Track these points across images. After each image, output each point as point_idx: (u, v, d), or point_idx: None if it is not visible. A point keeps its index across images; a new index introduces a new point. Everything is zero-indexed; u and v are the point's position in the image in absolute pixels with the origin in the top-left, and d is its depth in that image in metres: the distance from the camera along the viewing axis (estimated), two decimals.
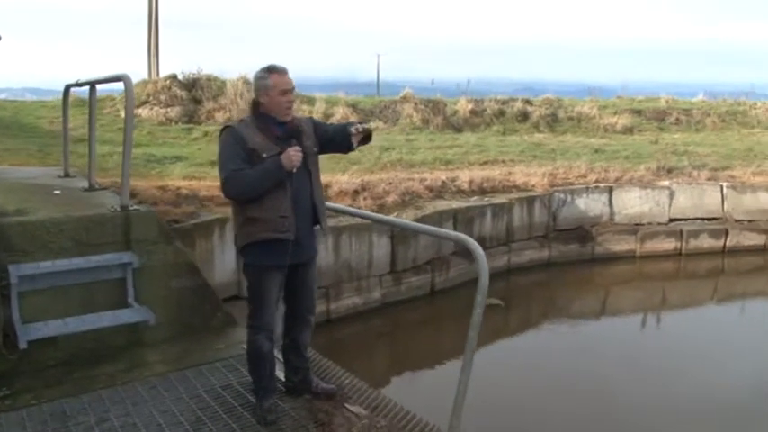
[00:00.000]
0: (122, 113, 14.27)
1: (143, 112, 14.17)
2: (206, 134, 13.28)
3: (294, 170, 3.37)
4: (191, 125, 13.91)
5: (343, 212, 4.85)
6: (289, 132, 3.46)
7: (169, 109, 14.25)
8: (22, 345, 3.74)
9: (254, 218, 3.41)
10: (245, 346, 4.38)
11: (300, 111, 15.11)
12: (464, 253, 9.95)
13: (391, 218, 5.26)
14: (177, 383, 3.91)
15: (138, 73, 16.10)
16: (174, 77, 15.04)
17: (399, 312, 8.84)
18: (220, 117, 14.41)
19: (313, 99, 15.98)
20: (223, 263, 7.16)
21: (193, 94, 14.88)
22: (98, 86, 5.32)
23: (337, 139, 3.59)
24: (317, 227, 3.67)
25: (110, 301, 4.31)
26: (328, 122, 3.67)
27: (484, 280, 3.08)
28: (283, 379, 3.85)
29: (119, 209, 4.39)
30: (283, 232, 3.43)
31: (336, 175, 9.77)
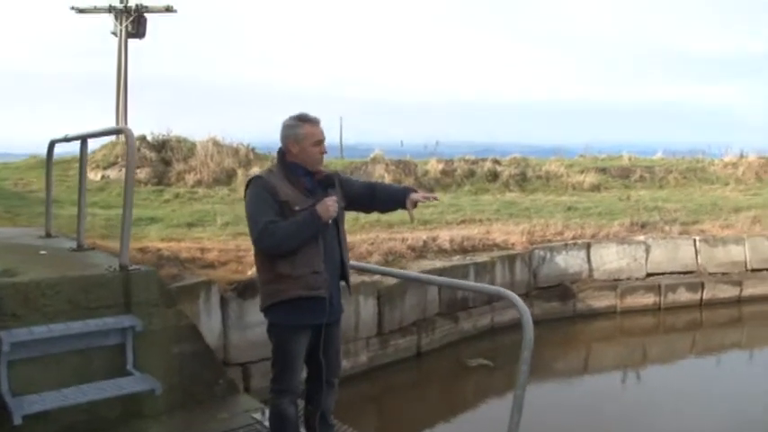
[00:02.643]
0: (90, 175, 13.96)
1: (111, 173, 13.89)
2: (177, 196, 13.04)
3: (330, 221, 3.22)
4: (161, 186, 13.65)
5: (369, 270, 4.66)
6: (322, 183, 3.32)
7: (138, 170, 13.95)
8: (17, 420, 3.40)
9: (285, 275, 3.21)
10: (253, 415, 4.14)
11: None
12: (449, 313, 9.83)
13: (428, 275, 5.10)
14: None
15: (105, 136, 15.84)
16: (143, 138, 14.83)
17: (387, 376, 8.57)
18: (191, 179, 14.21)
19: None
20: (209, 327, 6.85)
21: (163, 155, 14.67)
22: (61, 148, 5.15)
23: (383, 199, 3.52)
24: (343, 284, 3.49)
25: (107, 369, 3.98)
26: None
27: (529, 335, 2.93)
28: None
29: (117, 269, 4.12)
30: (317, 289, 3.25)
31: None
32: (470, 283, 3.49)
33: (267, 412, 4.14)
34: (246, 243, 8.94)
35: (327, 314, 3.30)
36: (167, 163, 14.53)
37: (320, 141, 3.32)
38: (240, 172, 14.67)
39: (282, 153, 3.36)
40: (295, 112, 3.38)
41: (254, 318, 7.29)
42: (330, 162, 17.89)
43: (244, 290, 7.27)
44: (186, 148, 15.08)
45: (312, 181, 3.31)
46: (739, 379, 9.04)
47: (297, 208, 3.20)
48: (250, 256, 8.39)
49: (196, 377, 4.31)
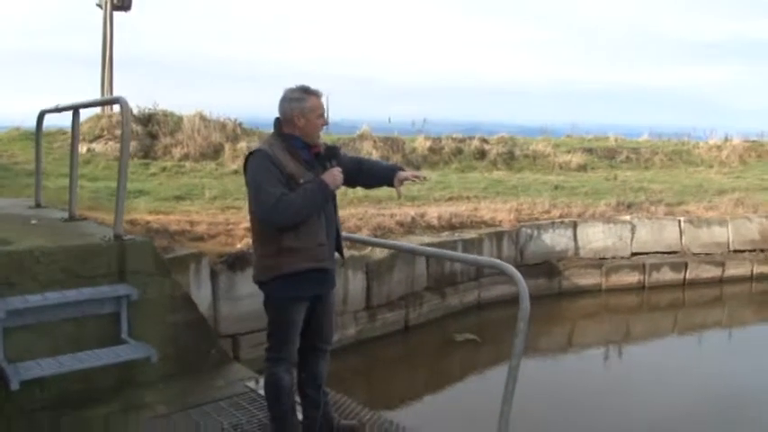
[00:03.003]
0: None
1: (97, 146, 13.75)
2: (164, 169, 12.95)
3: (336, 191, 3.24)
4: (147, 160, 13.54)
5: (367, 243, 4.69)
6: (319, 156, 3.33)
7: None
8: (14, 386, 3.42)
9: (292, 247, 3.20)
10: (246, 384, 4.18)
11: None
12: (436, 288, 9.91)
13: (422, 247, 5.14)
14: (184, 426, 3.64)
15: (90, 108, 15.64)
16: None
17: (375, 349, 8.64)
18: (178, 153, 14.10)
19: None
20: (199, 299, 6.84)
21: (149, 129, 14.52)
22: (46, 120, 5.12)
23: (370, 174, 3.55)
24: (337, 255, 3.52)
25: (101, 337, 4.01)
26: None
27: (525, 305, 2.97)
28: (300, 418, 3.62)
29: (112, 238, 4.12)
30: (322, 261, 3.28)
31: None
32: (467, 255, 3.53)
33: (261, 381, 4.18)
34: (236, 216, 8.96)
35: (324, 285, 3.33)
36: (154, 137, 14.39)
37: (323, 114, 3.32)
38: (227, 146, 14.59)
39: (280, 125, 3.33)
40: (293, 84, 3.35)
41: (244, 290, 7.33)
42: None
43: (234, 262, 7.28)
44: (173, 123, 14.93)
45: (309, 154, 3.31)
46: (718, 357, 9.23)
47: (301, 181, 3.20)
48: (239, 229, 8.41)
49: (190, 346, 4.34)
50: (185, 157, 13.99)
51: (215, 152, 14.44)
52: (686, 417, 6.90)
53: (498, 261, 3.28)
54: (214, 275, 7.13)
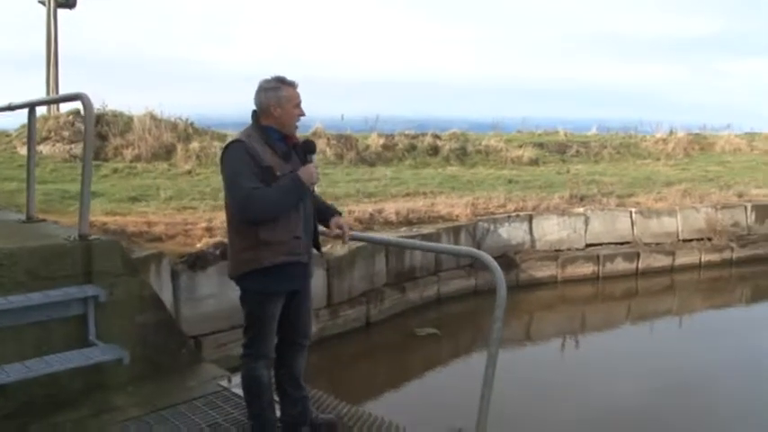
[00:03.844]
0: (19, 150, 13.42)
1: (44, 148, 13.37)
2: (116, 171, 12.68)
3: (312, 187, 3.22)
4: (98, 162, 13.21)
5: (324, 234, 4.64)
6: (296, 148, 3.31)
7: (73, 145, 13.50)
8: None
9: (267, 241, 3.17)
10: (219, 382, 4.13)
11: (212, 147, 14.74)
12: (396, 283, 9.95)
13: (401, 239, 5.13)
14: (159, 427, 3.58)
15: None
16: (77, 112, 14.27)
17: (336, 347, 8.62)
18: (129, 154, 13.82)
19: (224, 135, 15.60)
20: None
21: (99, 130, 14.16)
22: None
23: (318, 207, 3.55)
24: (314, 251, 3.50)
25: (68, 340, 3.90)
26: None
27: (502, 293, 3.02)
28: (278, 414, 3.59)
29: (77, 238, 4.02)
30: (298, 254, 3.25)
31: None
32: (443, 245, 3.54)
33: (234, 379, 4.15)
34: (193, 216, 8.84)
35: (306, 278, 3.31)
36: (103, 138, 14.05)
37: (299, 104, 3.30)
38: (180, 147, 14.36)
39: (257, 116, 3.30)
40: (268, 76, 3.33)
41: (206, 290, 7.25)
42: None
43: (194, 262, 7.18)
44: (123, 123, 14.61)
45: (286, 145, 3.29)
46: (669, 343, 9.47)
47: (278, 173, 3.17)
48: (198, 230, 8.30)
49: (160, 347, 4.26)
50: (137, 158, 13.72)
51: (167, 152, 14.20)
52: (639, 402, 7.07)
53: (475, 250, 3.32)
54: (175, 276, 7.03)
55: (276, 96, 3.25)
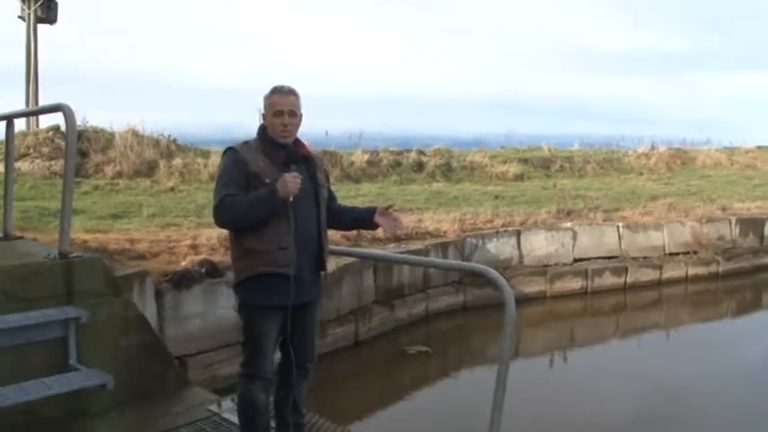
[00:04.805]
0: None
1: (23, 165, 13.10)
2: (97, 188, 12.44)
3: (291, 198, 3.05)
4: (78, 179, 12.95)
5: (349, 254, 4.51)
6: (295, 158, 3.18)
7: (53, 162, 13.25)
8: None
9: (252, 249, 3.07)
10: (208, 408, 3.95)
11: (196, 164, 14.55)
12: (385, 301, 9.79)
13: (404, 255, 4.99)
14: None
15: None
16: (56, 129, 14.05)
17: (324, 366, 8.36)
18: (110, 171, 13.61)
19: (208, 152, 15.42)
20: None
21: (79, 146, 13.93)
22: None
23: (353, 212, 3.50)
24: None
25: (48, 365, 3.68)
26: None
27: (511, 311, 2.88)
28: None
29: (57, 257, 3.83)
30: (282, 266, 3.07)
31: None
32: (450, 261, 3.42)
33: (224, 404, 3.97)
34: (177, 234, 8.65)
35: (293, 295, 3.13)
36: (84, 154, 13.81)
37: (281, 112, 3.15)
38: (162, 163, 14.16)
39: (263, 125, 3.26)
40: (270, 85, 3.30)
41: (191, 309, 7.06)
42: None
43: (179, 281, 6.99)
44: (104, 139, 14.38)
45: (285, 155, 3.17)
46: (657, 358, 9.42)
47: (267, 180, 3.06)
48: (182, 247, 8.11)
49: (146, 370, 4.07)
50: (118, 174, 13.50)
51: (149, 169, 13.99)
52: (626, 416, 7.05)
53: (483, 267, 3.18)
54: (159, 295, 6.83)
55: (265, 104, 3.23)
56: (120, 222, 9.29)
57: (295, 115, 3.21)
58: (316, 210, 3.23)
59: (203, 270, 7.18)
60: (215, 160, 14.87)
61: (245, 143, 3.22)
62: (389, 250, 9.97)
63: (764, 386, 7.99)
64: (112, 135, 14.55)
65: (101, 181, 12.96)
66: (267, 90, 3.24)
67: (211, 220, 9.78)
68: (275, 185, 3.01)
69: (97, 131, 14.58)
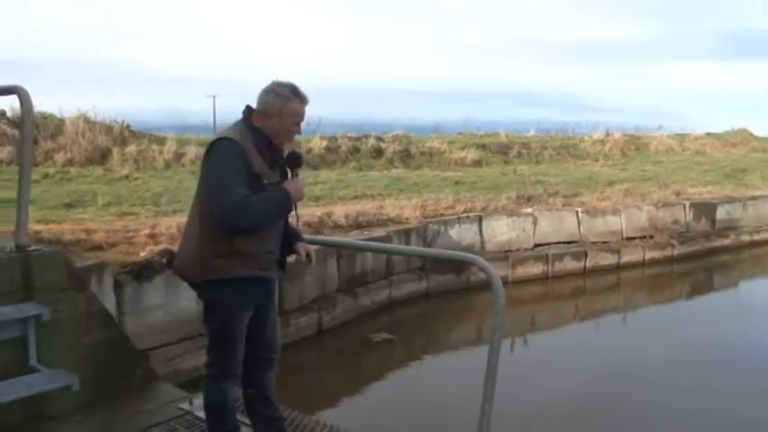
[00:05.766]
0: None
1: None
2: (47, 176, 12.02)
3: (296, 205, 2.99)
4: None
5: (325, 243, 4.38)
6: (282, 160, 3.03)
7: None
8: None
9: (239, 251, 2.89)
10: (180, 406, 3.80)
11: (150, 151, 14.19)
12: (348, 289, 9.69)
13: (389, 245, 4.88)
14: None
15: None
16: (2, 114, 13.53)
17: (289, 356, 8.25)
18: (61, 158, 13.16)
19: (163, 139, 15.05)
20: None
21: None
22: None
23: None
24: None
25: (5, 366, 3.44)
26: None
27: (500, 300, 2.84)
28: None
29: (14, 249, 3.60)
30: (267, 270, 3.00)
31: None
32: (436, 250, 3.32)
33: (195, 401, 3.82)
34: (135, 223, 8.39)
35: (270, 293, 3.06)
36: (33, 141, 13.34)
37: (299, 122, 3.02)
38: (115, 150, 13.76)
39: (251, 115, 2.98)
40: (283, 81, 3.02)
41: (153, 301, 6.85)
42: (204, 141, 17.21)
43: (140, 272, 6.76)
44: (53, 126, 13.93)
45: (271, 154, 3.00)
46: (614, 339, 9.60)
47: (266, 182, 2.89)
48: (141, 237, 7.86)
49: (111, 368, 3.87)
50: (69, 162, 13.07)
51: (102, 156, 13.59)
52: (583, 398, 7.12)
53: (472, 255, 3.15)
54: (118, 287, 6.59)
55: (282, 105, 2.94)
56: (73, 212, 8.98)
57: None
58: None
59: (164, 260, 6.96)
60: (170, 147, 14.55)
61: (240, 133, 2.92)
62: (353, 237, 9.87)
63: (713, 362, 8.30)
64: (62, 121, 14.09)
65: (50, 169, 12.53)
66: (281, 86, 2.97)
67: (171, 208, 9.46)
68: (286, 190, 2.91)
69: (46, 117, 14.10)
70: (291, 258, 3.25)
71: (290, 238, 3.23)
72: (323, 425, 3.57)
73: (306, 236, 3.58)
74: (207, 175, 2.88)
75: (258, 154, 2.90)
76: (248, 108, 3.00)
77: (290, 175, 3.06)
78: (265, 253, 2.98)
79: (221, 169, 2.82)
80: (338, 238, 5.51)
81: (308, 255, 3.25)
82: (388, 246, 4.60)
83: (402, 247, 4.13)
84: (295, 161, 3.07)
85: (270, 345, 3.27)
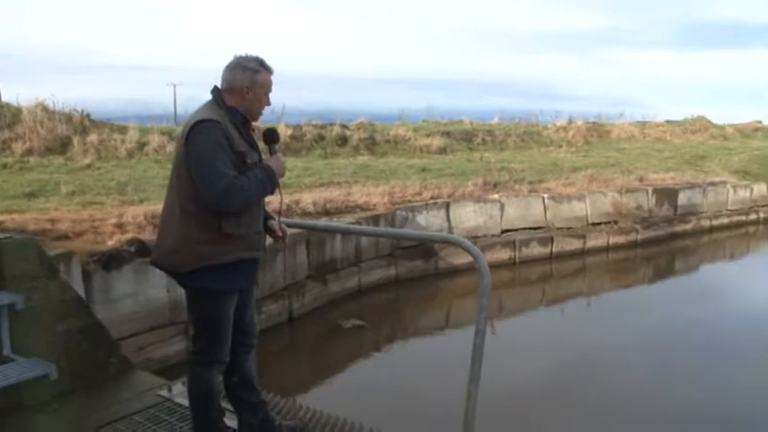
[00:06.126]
0: None
1: None
2: (5, 166, 11.70)
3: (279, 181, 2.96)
4: None
5: (301, 226, 4.32)
6: (268, 137, 3.02)
7: None
8: None
9: (230, 234, 2.83)
10: (159, 393, 3.75)
11: (112, 140, 13.91)
12: (318, 276, 9.66)
13: (372, 227, 4.83)
14: None
15: None
16: None
17: (260, 343, 8.17)
18: (18, 148, 12.79)
19: (125, 128, 14.76)
20: None
21: None
22: None
23: None
24: None
25: None
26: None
27: (486, 281, 2.84)
28: (236, 425, 3.25)
29: None
30: (257, 250, 2.98)
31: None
32: (420, 232, 3.29)
33: (174, 388, 3.78)
34: (101, 212, 8.23)
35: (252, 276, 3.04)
36: None
37: (269, 93, 2.97)
38: (76, 140, 13.45)
39: (222, 96, 2.90)
40: (245, 53, 2.97)
41: (122, 290, 6.74)
42: (175, 128, 16.93)
43: (108, 261, 6.63)
44: (10, 115, 13.54)
45: (248, 132, 2.96)
46: (579, 324, 9.78)
47: (248, 161, 2.84)
48: (107, 226, 7.72)
49: (87, 357, 3.81)
50: (28, 152, 12.72)
51: (62, 146, 13.26)
52: (549, 383, 7.20)
53: (455, 236, 3.14)
54: (87, 276, 6.46)
55: (252, 79, 2.89)
56: (36, 201, 8.77)
57: None
58: None
59: (133, 249, 6.85)
60: (133, 136, 14.28)
61: (220, 114, 2.85)
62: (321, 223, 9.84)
63: (674, 343, 8.51)
64: (19, 110, 13.71)
65: (8, 159, 12.19)
66: (247, 59, 2.91)
67: (137, 197, 9.30)
68: (270, 166, 2.87)
69: (2, 106, 13.70)
70: (275, 235, 3.22)
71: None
72: (306, 408, 3.55)
73: (287, 219, 3.55)
74: (192, 158, 2.77)
75: (238, 133, 2.87)
76: (216, 88, 2.94)
77: (269, 151, 3.03)
78: (255, 234, 2.95)
79: (207, 151, 2.74)
80: (322, 221, 5.46)
81: (282, 233, 3.22)
82: (373, 228, 4.58)
83: (388, 229, 4.11)
84: (272, 137, 3.03)
85: (250, 330, 3.24)
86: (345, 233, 9.11)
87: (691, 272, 13.45)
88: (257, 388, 3.25)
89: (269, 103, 3.00)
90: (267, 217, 3.23)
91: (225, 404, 3.30)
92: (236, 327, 3.12)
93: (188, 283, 2.95)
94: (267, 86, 2.94)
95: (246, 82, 2.88)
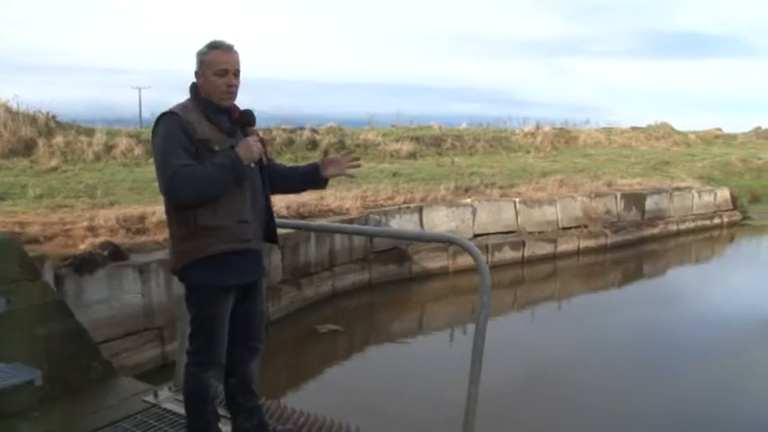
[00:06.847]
0: None
1: None
2: None
3: (252, 164, 2.82)
4: None
5: (297, 227, 4.24)
6: (240, 123, 2.88)
7: None
8: None
9: (207, 227, 2.73)
10: (144, 398, 3.65)
11: (79, 142, 13.65)
12: (292, 280, 9.57)
13: (372, 227, 4.76)
14: None
15: None
16: None
17: None
18: None
19: (92, 130, 14.50)
20: None
21: None
22: None
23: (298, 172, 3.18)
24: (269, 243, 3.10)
25: None
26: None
27: (486, 281, 2.81)
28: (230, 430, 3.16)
29: None
30: (246, 241, 2.82)
31: (134, 205, 8.86)
32: (417, 231, 3.23)
33: (160, 393, 3.68)
34: (71, 215, 8.05)
35: (252, 270, 2.94)
36: None
37: (225, 71, 2.81)
38: (41, 142, 13.18)
39: (195, 86, 2.86)
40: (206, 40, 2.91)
41: (95, 295, 6.60)
42: (144, 131, 16.67)
43: (80, 265, 6.48)
44: None
45: (230, 120, 2.87)
46: (548, 328, 9.87)
47: (216, 148, 2.73)
48: (78, 229, 7.55)
49: (69, 361, 3.68)
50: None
51: (27, 148, 12.98)
52: (520, 384, 7.27)
53: (453, 236, 3.10)
54: (59, 281, 6.31)
55: (200, 61, 2.82)
56: (2, 204, 8.54)
57: (239, 75, 2.90)
58: (260, 177, 2.97)
59: (106, 253, 6.71)
60: (100, 138, 14.04)
61: (183, 106, 2.80)
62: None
63: (640, 344, 8.64)
64: None
65: None
66: (202, 48, 2.84)
67: (107, 200, 9.15)
68: (233, 151, 2.75)
69: None
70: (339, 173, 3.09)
71: (315, 176, 3.10)
72: (299, 412, 3.49)
73: (282, 220, 3.48)
74: (153, 154, 2.78)
75: (208, 121, 2.78)
76: (193, 83, 2.88)
77: (241, 134, 2.90)
78: (237, 223, 2.81)
79: (161, 143, 2.71)
80: (316, 222, 5.39)
81: (336, 163, 3.12)
82: (372, 228, 4.51)
83: (385, 229, 4.06)
84: (244, 119, 2.90)
85: (255, 333, 3.12)
86: (342, 233, 9.02)
87: (658, 275, 13.65)
88: (255, 393, 3.17)
89: (230, 84, 2.83)
90: (316, 166, 3.12)
91: (222, 411, 3.23)
92: (243, 329, 3.04)
93: (181, 281, 2.89)
94: (214, 65, 2.81)
95: (197, 67, 2.84)
